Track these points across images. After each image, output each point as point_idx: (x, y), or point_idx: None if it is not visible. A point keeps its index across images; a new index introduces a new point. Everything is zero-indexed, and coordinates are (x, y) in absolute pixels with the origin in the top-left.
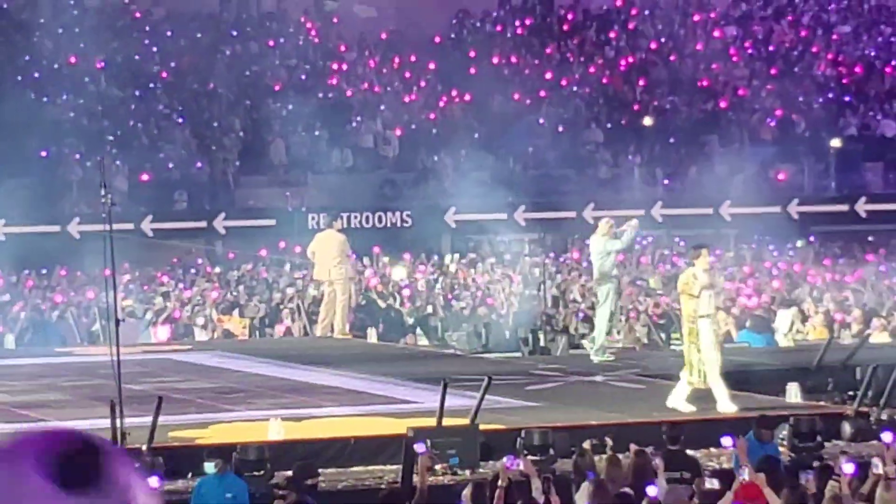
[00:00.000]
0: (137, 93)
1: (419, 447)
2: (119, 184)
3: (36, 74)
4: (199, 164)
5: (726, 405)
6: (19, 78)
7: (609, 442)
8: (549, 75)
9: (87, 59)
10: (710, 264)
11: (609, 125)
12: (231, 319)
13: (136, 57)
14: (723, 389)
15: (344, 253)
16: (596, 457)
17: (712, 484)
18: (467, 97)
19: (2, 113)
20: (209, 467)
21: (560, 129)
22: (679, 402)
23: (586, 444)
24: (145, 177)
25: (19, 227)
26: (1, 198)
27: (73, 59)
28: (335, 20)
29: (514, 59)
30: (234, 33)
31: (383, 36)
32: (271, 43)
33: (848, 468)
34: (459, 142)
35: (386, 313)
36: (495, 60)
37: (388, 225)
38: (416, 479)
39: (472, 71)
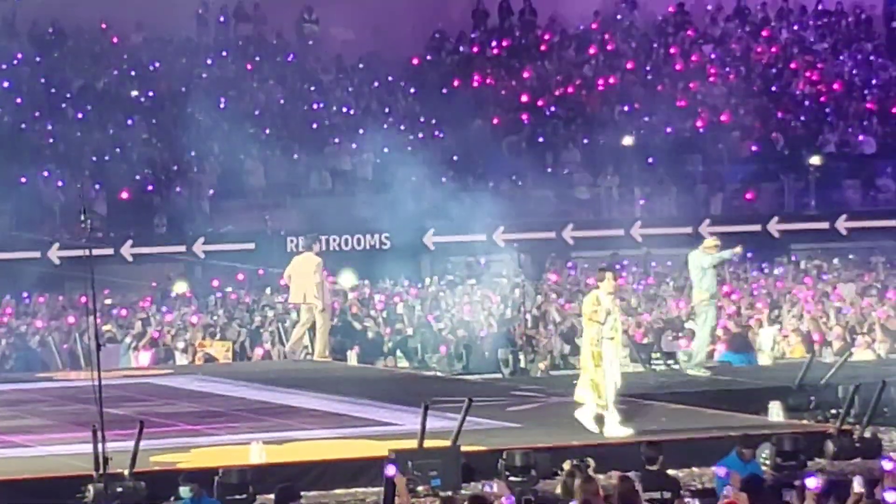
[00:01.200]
0: (112, 118)
1: (389, 469)
2: (99, 208)
3: (18, 101)
4: (178, 189)
5: (616, 430)
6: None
7: (591, 463)
8: (525, 97)
9: (65, 83)
10: (615, 287)
11: (587, 144)
12: (213, 344)
13: (114, 81)
14: (615, 414)
15: (321, 275)
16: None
17: None
18: (445, 118)
19: None
20: (184, 492)
21: (537, 149)
22: (588, 421)
23: (566, 465)
24: (125, 195)
25: (1, 253)
26: None
27: (50, 85)
28: (311, 42)
29: (490, 81)
30: (210, 60)
31: (360, 58)
32: (249, 66)
33: (811, 483)
34: (438, 163)
35: (363, 335)
36: (474, 82)
37: (367, 247)
38: (397, 501)
39: (442, 92)
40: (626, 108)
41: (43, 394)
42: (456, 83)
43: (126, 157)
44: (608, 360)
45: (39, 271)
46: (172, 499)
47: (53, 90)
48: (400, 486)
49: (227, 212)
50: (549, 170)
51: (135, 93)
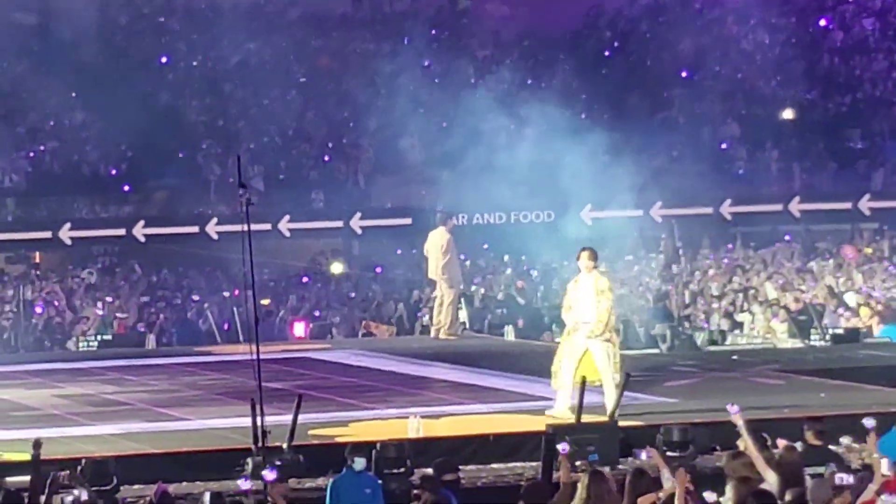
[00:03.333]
0: (268, 94)
1: (562, 447)
2: (256, 183)
3: (171, 76)
4: (335, 164)
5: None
6: (154, 81)
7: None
8: (682, 71)
9: (222, 59)
10: (588, 267)
11: (745, 118)
12: (378, 327)
13: (271, 57)
14: (562, 394)
15: (450, 253)
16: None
17: (844, 479)
18: (603, 93)
19: (139, 116)
20: (360, 463)
21: (694, 123)
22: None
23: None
24: (282, 170)
25: (158, 228)
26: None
27: (207, 60)
28: (466, 20)
29: (647, 55)
30: (365, 36)
31: (516, 33)
32: (405, 41)
33: None
34: (595, 138)
35: (523, 310)
36: (631, 56)
37: (525, 223)
38: (556, 475)
39: (596, 67)
40: (784, 82)
41: (202, 367)
42: (613, 58)
43: (283, 132)
44: (569, 342)
45: (198, 245)
46: (331, 472)
47: (210, 65)
48: (565, 465)
49: (383, 187)
50: (707, 144)
51: (294, 68)
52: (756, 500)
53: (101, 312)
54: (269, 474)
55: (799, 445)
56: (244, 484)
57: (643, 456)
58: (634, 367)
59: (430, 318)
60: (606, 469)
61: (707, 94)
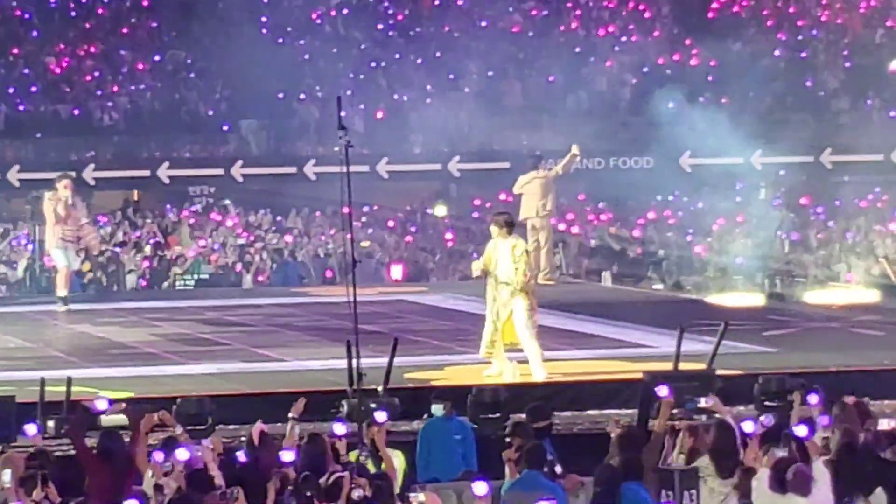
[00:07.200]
0: (374, 36)
1: (661, 390)
2: (355, 125)
3: (271, 17)
4: (435, 107)
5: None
6: (256, 20)
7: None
8: (768, 23)
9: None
10: (500, 234)
11: (848, 68)
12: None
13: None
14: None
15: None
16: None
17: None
18: (703, 39)
19: (239, 55)
20: (437, 409)
21: (796, 71)
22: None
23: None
24: (381, 112)
25: (256, 168)
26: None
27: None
28: None
29: (748, 2)
30: None
31: None
32: None
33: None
34: (695, 85)
35: (620, 256)
36: (733, 3)
37: (623, 169)
38: (653, 423)
39: (710, 15)
40: (890, 31)
41: (298, 309)
42: (715, 4)
43: (386, 74)
44: (490, 306)
45: (296, 187)
46: (425, 416)
47: (310, 6)
48: (665, 410)
49: (483, 131)
50: (809, 92)
51: (392, 10)
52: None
53: (197, 252)
54: (381, 415)
55: None
56: (339, 428)
57: (703, 402)
58: (733, 315)
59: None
60: (703, 417)
61: (811, 43)
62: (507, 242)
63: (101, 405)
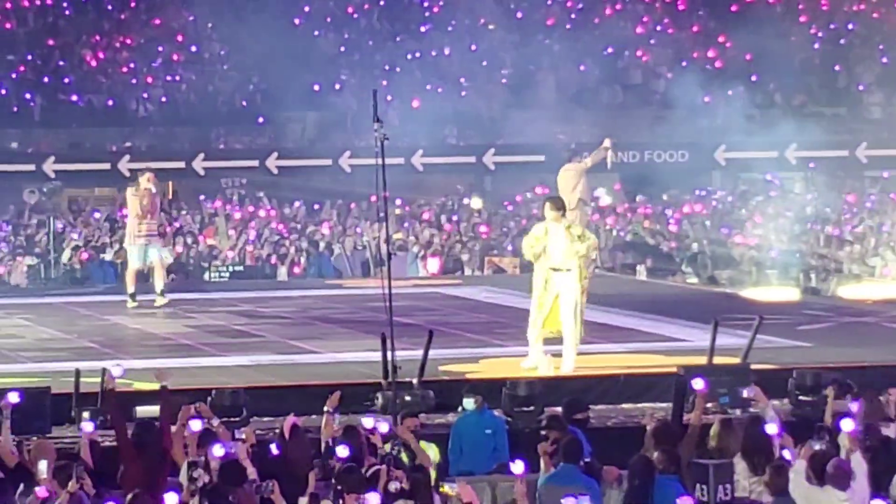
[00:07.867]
0: (406, 29)
1: (697, 383)
2: (391, 117)
3: (306, 9)
4: (470, 99)
5: (527, 361)
6: (291, 13)
7: None
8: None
9: None
10: (555, 217)
11: (884, 63)
12: (502, 260)
13: None
14: (534, 349)
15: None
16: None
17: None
18: (739, 34)
19: (274, 47)
20: (468, 403)
21: (831, 65)
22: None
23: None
24: (416, 103)
25: (291, 160)
26: (274, 134)
27: None
28: None
29: None
30: None
31: None
32: None
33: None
34: (731, 79)
35: (654, 250)
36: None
37: (658, 162)
38: (687, 416)
39: (734, 9)
40: None
41: (333, 300)
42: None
43: (421, 65)
44: (539, 294)
45: (331, 178)
46: (460, 409)
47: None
48: (700, 403)
49: (517, 122)
50: (843, 87)
51: (427, 2)
52: None
53: (233, 243)
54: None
55: None
56: (369, 422)
57: (745, 393)
58: (768, 310)
59: None
60: (738, 412)
61: (846, 37)
62: (559, 226)
63: (117, 372)
